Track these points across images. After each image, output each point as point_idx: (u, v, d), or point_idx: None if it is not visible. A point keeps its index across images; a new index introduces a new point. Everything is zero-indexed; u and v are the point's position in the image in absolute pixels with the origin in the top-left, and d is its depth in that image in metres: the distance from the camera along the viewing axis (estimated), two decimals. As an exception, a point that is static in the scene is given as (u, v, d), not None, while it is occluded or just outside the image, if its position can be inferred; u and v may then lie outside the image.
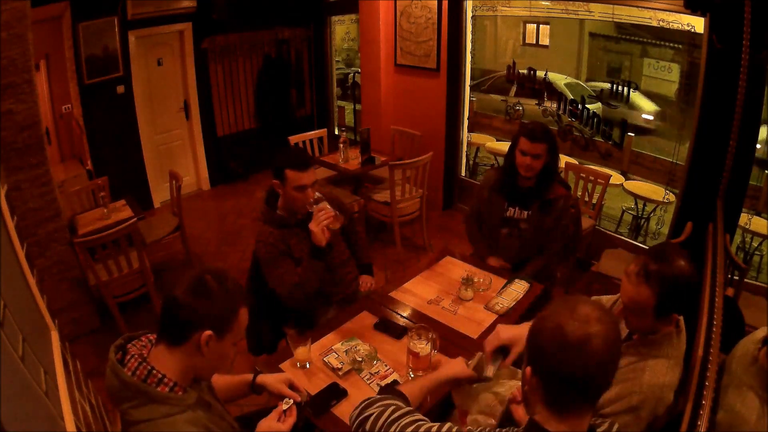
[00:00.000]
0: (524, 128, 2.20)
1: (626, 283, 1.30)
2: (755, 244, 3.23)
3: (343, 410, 1.44)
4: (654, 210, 3.67)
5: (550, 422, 0.90)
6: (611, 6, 3.40)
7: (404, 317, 1.93)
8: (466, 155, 4.67)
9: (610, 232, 3.66)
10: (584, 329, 0.85)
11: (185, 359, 1.09)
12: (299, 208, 1.97)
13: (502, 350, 1.37)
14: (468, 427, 1.16)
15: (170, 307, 1.08)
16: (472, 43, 4.29)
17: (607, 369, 0.87)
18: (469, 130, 4.59)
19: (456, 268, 2.26)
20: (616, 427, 1.02)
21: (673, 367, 1.32)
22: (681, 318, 1.39)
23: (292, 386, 1.38)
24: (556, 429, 0.90)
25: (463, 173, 4.69)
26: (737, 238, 3.15)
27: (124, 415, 1.05)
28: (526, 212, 2.28)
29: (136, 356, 1.09)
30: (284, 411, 1.27)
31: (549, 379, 0.89)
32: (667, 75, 3.79)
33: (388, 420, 1.06)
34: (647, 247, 3.40)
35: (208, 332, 1.07)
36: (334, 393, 1.52)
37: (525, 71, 3.93)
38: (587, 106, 3.60)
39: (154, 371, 1.07)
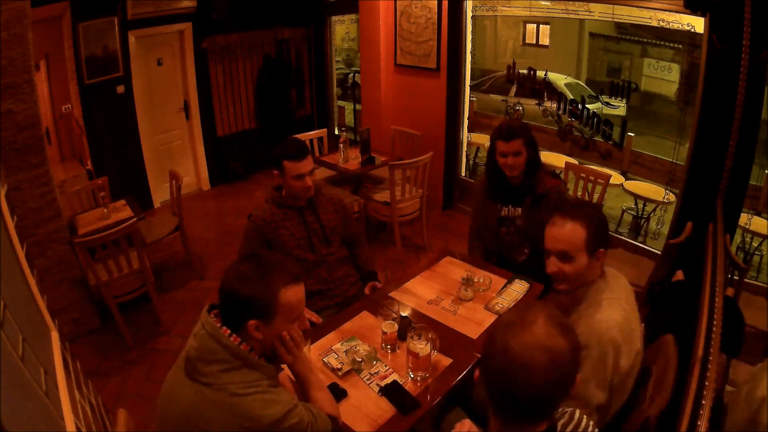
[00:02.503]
0: (497, 130, 2.20)
1: (559, 231, 1.43)
2: (755, 244, 3.23)
3: (343, 410, 1.44)
4: (654, 210, 3.67)
5: (501, 429, 0.93)
6: (611, 6, 3.39)
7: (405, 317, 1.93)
8: (466, 155, 4.67)
9: (610, 232, 3.65)
10: (524, 357, 0.84)
11: (250, 340, 1.15)
12: (300, 194, 2.05)
13: None
14: None
15: (221, 297, 1.15)
16: (472, 43, 4.28)
17: (557, 387, 0.86)
18: (469, 130, 4.59)
19: (456, 268, 2.25)
20: (579, 415, 1.01)
21: (612, 305, 1.37)
22: (606, 267, 1.49)
23: None
24: None
25: (463, 173, 4.69)
26: (737, 238, 3.15)
27: (207, 377, 1.09)
28: (519, 209, 2.29)
29: (226, 326, 1.15)
30: None
31: (496, 396, 0.90)
32: (667, 75, 3.79)
33: None
34: (646, 247, 3.40)
35: (254, 322, 1.13)
36: (334, 393, 1.51)
37: (525, 71, 3.93)
38: (587, 106, 3.60)
39: (245, 342, 1.13)
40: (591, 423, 1.02)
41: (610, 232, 3.53)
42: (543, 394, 0.85)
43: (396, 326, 1.74)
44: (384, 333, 1.71)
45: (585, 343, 1.32)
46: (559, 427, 0.96)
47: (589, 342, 1.32)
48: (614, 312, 1.35)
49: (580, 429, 0.99)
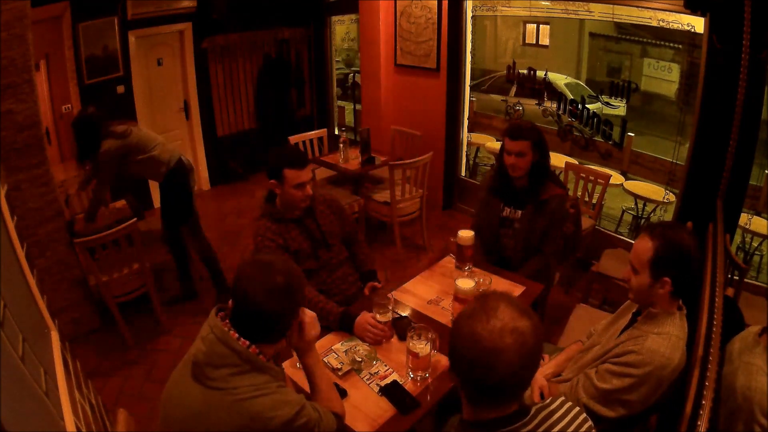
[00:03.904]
0: (507, 128, 2.21)
1: (636, 242, 1.42)
2: (755, 244, 3.23)
3: (343, 410, 1.44)
4: (654, 210, 3.67)
5: (470, 412, 0.97)
6: (611, 6, 3.40)
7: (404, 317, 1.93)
8: (466, 155, 4.67)
9: (610, 232, 3.66)
10: (495, 342, 0.87)
11: (278, 346, 1.21)
12: (298, 204, 1.99)
13: None
14: None
15: (260, 319, 1.14)
16: (472, 43, 4.29)
17: (522, 375, 0.90)
18: (469, 130, 4.59)
19: (456, 269, 2.25)
20: (564, 404, 1.03)
21: (675, 345, 1.34)
22: (682, 304, 1.43)
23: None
24: (476, 417, 0.96)
25: (463, 173, 4.69)
26: (737, 238, 3.15)
27: (216, 381, 1.10)
28: (520, 212, 2.28)
29: (234, 330, 1.16)
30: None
31: (469, 384, 0.93)
32: (667, 75, 3.79)
33: None
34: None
35: (296, 320, 1.21)
36: (334, 393, 1.52)
37: (525, 71, 3.93)
38: (587, 106, 3.60)
39: (253, 345, 1.14)
40: (575, 410, 1.01)
41: (611, 233, 3.59)
42: (515, 376, 0.89)
43: (389, 315, 1.75)
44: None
45: (636, 361, 1.33)
46: (532, 410, 0.97)
47: (642, 363, 1.32)
48: (676, 354, 1.33)
49: (558, 413, 0.99)
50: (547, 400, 1.02)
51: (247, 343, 1.13)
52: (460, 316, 0.96)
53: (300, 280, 1.20)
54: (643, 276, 1.38)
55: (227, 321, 1.16)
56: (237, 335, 1.13)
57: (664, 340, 1.34)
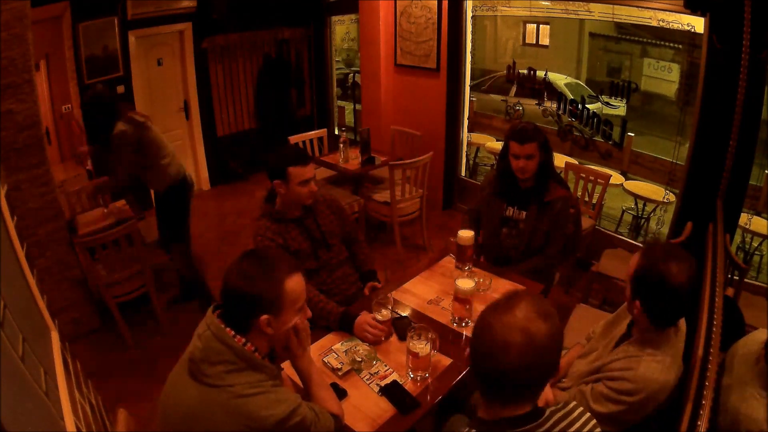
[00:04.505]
0: (512, 131, 2.20)
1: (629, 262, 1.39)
2: (755, 244, 3.23)
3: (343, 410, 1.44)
4: (654, 210, 3.67)
5: (485, 410, 0.99)
6: (611, 6, 3.40)
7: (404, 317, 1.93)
8: (466, 155, 4.67)
9: (610, 232, 3.66)
10: (504, 336, 0.89)
11: (257, 339, 1.16)
12: (304, 201, 2.01)
13: None
14: None
15: (226, 299, 1.15)
16: (472, 43, 4.29)
17: (534, 369, 0.91)
18: (469, 130, 4.59)
19: (456, 268, 2.25)
20: (577, 408, 1.03)
21: (669, 367, 1.32)
22: (681, 326, 1.41)
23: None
24: (490, 416, 0.97)
25: (463, 173, 4.69)
26: (737, 238, 3.15)
27: (212, 378, 1.10)
28: (524, 212, 2.28)
29: (231, 326, 1.15)
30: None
31: (479, 374, 0.96)
32: (667, 75, 3.80)
33: None
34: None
35: (265, 317, 1.13)
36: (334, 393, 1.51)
37: (525, 71, 3.93)
38: (587, 106, 3.60)
39: (249, 343, 1.14)
40: (587, 415, 1.02)
41: (611, 233, 3.59)
42: (520, 373, 0.90)
43: (389, 314, 1.76)
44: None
45: (630, 389, 1.31)
46: (547, 412, 0.97)
47: (636, 390, 1.31)
48: (670, 375, 1.31)
49: (571, 417, 0.99)
50: (561, 404, 1.02)
51: (243, 340, 1.13)
52: (487, 307, 0.98)
53: (279, 262, 1.17)
54: (627, 290, 1.37)
55: (224, 319, 1.16)
56: (233, 333, 1.13)
57: (659, 364, 1.31)
